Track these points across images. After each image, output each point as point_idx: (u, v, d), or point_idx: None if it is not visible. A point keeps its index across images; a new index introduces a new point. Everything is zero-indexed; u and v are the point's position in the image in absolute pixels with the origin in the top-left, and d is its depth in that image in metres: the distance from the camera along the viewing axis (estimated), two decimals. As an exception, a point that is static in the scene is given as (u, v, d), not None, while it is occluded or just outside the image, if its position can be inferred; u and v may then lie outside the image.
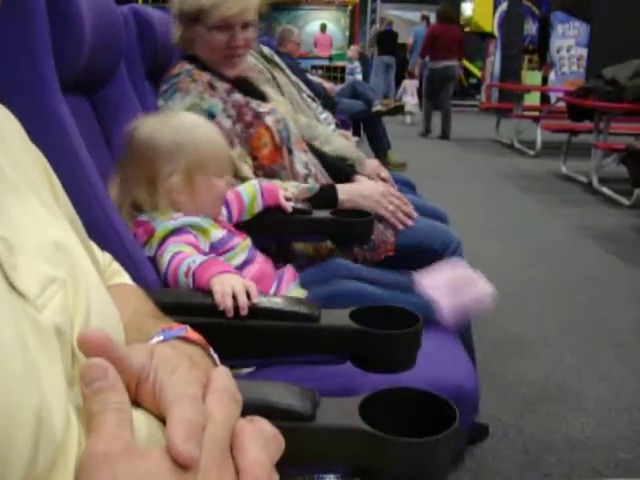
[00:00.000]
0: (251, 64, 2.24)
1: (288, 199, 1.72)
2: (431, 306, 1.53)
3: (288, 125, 1.96)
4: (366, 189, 1.93)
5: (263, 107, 1.92)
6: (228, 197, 1.62)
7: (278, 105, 2.03)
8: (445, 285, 1.57)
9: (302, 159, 1.98)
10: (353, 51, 13.20)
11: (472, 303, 1.58)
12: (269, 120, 1.89)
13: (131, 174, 1.42)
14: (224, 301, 1.14)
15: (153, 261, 1.36)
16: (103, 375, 0.48)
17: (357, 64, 12.93)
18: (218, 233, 1.46)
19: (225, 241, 1.46)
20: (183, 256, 1.30)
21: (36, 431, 0.43)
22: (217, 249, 1.44)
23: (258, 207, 1.66)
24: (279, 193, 1.68)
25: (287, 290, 1.54)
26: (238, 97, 1.88)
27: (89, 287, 0.59)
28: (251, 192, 1.65)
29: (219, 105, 1.82)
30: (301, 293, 1.54)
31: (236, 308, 1.14)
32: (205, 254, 1.37)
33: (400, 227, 1.91)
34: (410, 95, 11.83)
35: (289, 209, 1.69)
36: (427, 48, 10.05)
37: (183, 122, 1.47)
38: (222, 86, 1.87)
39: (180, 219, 1.39)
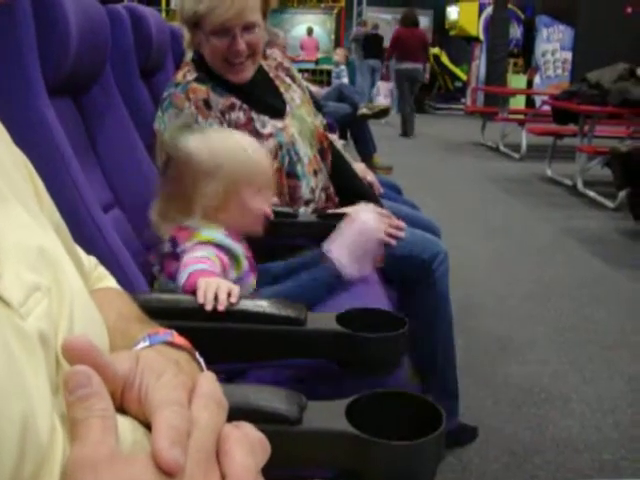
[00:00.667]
0: (279, 60, 2.09)
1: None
2: (337, 269, 1.56)
3: (295, 149, 1.88)
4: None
5: (269, 127, 1.84)
6: None
7: (292, 122, 1.93)
8: (345, 244, 1.60)
9: (310, 183, 1.91)
10: (340, 55, 12.68)
11: (370, 244, 1.62)
12: (267, 146, 1.80)
13: (171, 189, 1.47)
14: (205, 295, 1.16)
15: (179, 256, 1.39)
16: (87, 382, 0.48)
17: (343, 67, 12.46)
18: (245, 265, 1.48)
19: (244, 277, 1.48)
20: (205, 261, 1.34)
21: (22, 438, 0.42)
22: (238, 283, 1.46)
23: None
24: None
25: None
26: (238, 115, 1.80)
27: (73, 294, 0.59)
28: None
29: (215, 125, 1.75)
30: None
31: (220, 312, 1.14)
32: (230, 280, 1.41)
33: (393, 243, 1.90)
34: (383, 96, 12.03)
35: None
36: (393, 51, 10.64)
37: (223, 141, 1.50)
38: (221, 102, 1.79)
39: (228, 239, 1.43)
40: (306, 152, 1.93)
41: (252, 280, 1.52)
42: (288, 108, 1.95)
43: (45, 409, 0.47)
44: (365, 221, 1.65)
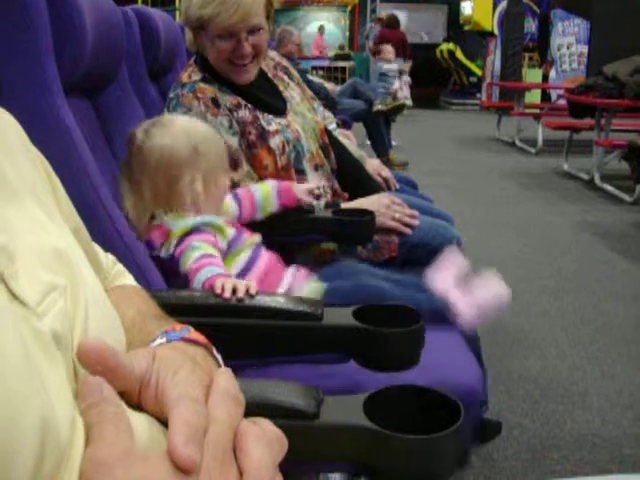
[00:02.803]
0: (277, 60, 2.11)
1: (312, 193, 1.73)
2: (447, 305, 1.50)
3: (300, 144, 1.90)
4: (370, 204, 1.89)
5: (273, 124, 1.86)
6: (240, 194, 1.64)
7: (295, 117, 1.95)
8: (458, 285, 1.55)
9: (314, 179, 1.93)
10: (390, 52, 9.23)
11: (487, 302, 1.54)
12: (274, 142, 1.83)
13: (146, 189, 1.42)
14: (224, 287, 1.17)
15: (170, 261, 1.38)
16: (98, 389, 0.49)
17: (394, 66, 8.92)
18: (231, 231, 1.47)
19: (237, 238, 1.48)
20: (209, 261, 1.33)
21: (41, 434, 0.43)
22: (232, 247, 1.46)
23: (273, 207, 1.68)
24: (296, 190, 1.70)
25: (305, 285, 1.54)
26: (245, 113, 1.82)
27: (88, 294, 0.59)
28: (265, 191, 1.67)
29: (225, 123, 1.77)
30: (319, 286, 1.53)
31: (237, 307, 1.14)
32: (223, 253, 1.41)
33: (409, 232, 1.90)
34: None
35: (311, 200, 1.71)
36: (377, 49, 11.06)
37: (188, 126, 1.48)
38: (228, 100, 1.81)
39: (197, 218, 1.41)
40: (309, 147, 1.95)
41: (249, 236, 1.51)
42: (288, 106, 1.98)
43: (64, 405, 0.47)
44: (502, 294, 1.57)
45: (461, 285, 1.55)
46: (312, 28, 17.33)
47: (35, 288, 0.51)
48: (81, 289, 0.58)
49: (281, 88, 2.01)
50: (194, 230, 1.38)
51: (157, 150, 1.41)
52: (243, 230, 1.52)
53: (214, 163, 1.45)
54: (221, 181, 1.48)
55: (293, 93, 2.04)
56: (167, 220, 1.41)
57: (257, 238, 1.53)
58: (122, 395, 0.53)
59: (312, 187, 1.73)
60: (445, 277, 1.57)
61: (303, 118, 1.98)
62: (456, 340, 1.52)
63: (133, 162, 1.44)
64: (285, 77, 2.07)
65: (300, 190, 1.70)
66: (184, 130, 1.45)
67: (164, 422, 0.52)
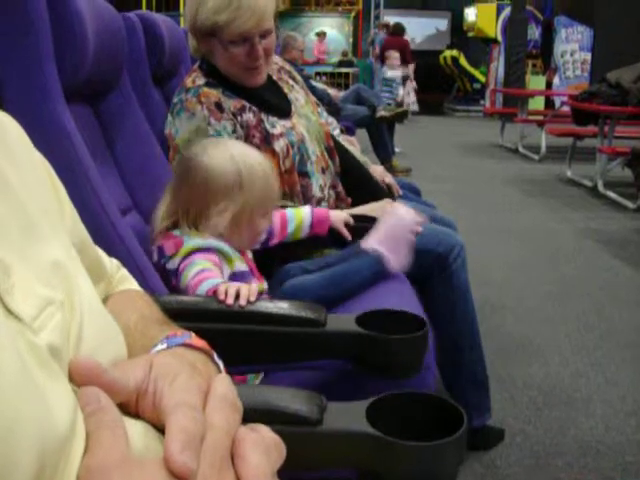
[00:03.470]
0: (280, 64, 2.13)
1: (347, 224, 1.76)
2: (379, 260, 1.63)
3: (305, 147, 1.90)
4: (373, 211, 1.89)
5: (278, 127, 1.86)
6: (273, 218, 1.66)
7: (299, 120, 1.95)
8: (384, 238, 1.67)
9: (319, 182, 1.93)
10: (395, 58, 9.56)
11: (406, 237, 1.68)
12: (279, 145, 1.83)
13: (183, 197, 1.46)
14: (227, 291, 1.18)
15: (172, 274, 1.41)
16: (95, 399, 0.50)
17: (398, 74, 9.35)
18: (242, 266, 1.48)
19: (245, 276, 1.49)
20: (207, 275, 1.34)
21: (40, 449, 0.43)
22: (236, 280, 1.46)
23: (303, 234, 1.72)
24: (333, 220, 1.73)
25: None
26: (249, 117, 1.82)
27: (84, 305, 0.58)
28: (298, 220, 1.70)
29: (228, 127, 1.77)
30: None
31: (239, 313, 1.14)
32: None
33: (412, 237, 1.90)
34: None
35: (347, 234, 1.74)
36: (381, 55, 11.50)
37: (245, 159, 1.49)
38: (232, 104, 1.81)
39: (210, 240, 1.43)
40: (314, 150, 1.95)
41: (258, 283, 1.52)
42: (293, 108, 1.99)
43: (63, 416, 0.47)
44: (401, 215, 1.72)
45: (387, 238, 1.68)
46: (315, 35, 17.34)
47: (31, 302, 0.51)
48: (77, 302, 0.57)
49: (286, 90, 2.02)
50: (202, 249, 1.41)
51: (204, 168, 1.45)
52: (255, 273, 1.54)
53: (252, 202, 1.47)
54: (256, 222, 1.50)
55: (297, 96, 2.05)
56: (184, 233, 1.44)
57: (264, 286, 1.55)
58: (120, 405, 0.54)
59: (349, 219, 1.76)
60: (374, 237, 1.68)
61: (307, 120, 1.99)
62: (407, 290, 1.67)
63: (182, 168, 1.49)
64: (290, 80, 2.08)
65: (338, 221, 1.73)
66: (236, 161, 1.47)
67: (162, 430, 0.53)
